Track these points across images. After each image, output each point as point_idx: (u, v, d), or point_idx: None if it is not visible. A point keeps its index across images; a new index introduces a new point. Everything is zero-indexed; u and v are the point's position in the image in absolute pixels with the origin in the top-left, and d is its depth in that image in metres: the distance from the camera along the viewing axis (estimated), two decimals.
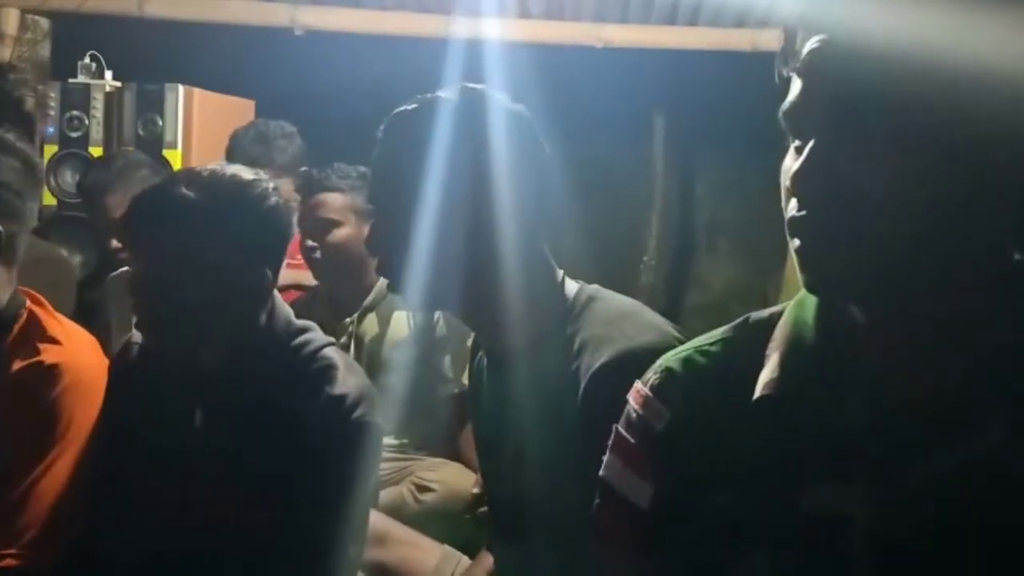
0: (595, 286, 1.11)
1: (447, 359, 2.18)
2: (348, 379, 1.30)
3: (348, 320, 2.15)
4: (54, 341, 1.30)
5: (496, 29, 3.13)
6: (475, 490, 1.90)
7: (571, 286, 1.10)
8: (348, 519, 1.28)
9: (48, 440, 1.26)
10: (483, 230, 1.03)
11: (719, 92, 3.64)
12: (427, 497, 1.88)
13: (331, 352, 1.34)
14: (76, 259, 2.72)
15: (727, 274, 4.14)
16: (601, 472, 0.79)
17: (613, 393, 0.80)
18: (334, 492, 1.26)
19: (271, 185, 1.30)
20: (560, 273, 1.11)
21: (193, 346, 1.29)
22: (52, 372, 1.27)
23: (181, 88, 2.86)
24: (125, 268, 2.40)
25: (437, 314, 2.18)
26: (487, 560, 1.31)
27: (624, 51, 3.27)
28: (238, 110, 3.02)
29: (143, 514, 1.32)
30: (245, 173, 1.29)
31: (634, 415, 0.77)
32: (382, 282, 2.20)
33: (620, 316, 1.05)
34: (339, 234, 2.13)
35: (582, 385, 0.98)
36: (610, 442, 0.80)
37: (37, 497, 1.24)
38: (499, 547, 1.17)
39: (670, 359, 0.78)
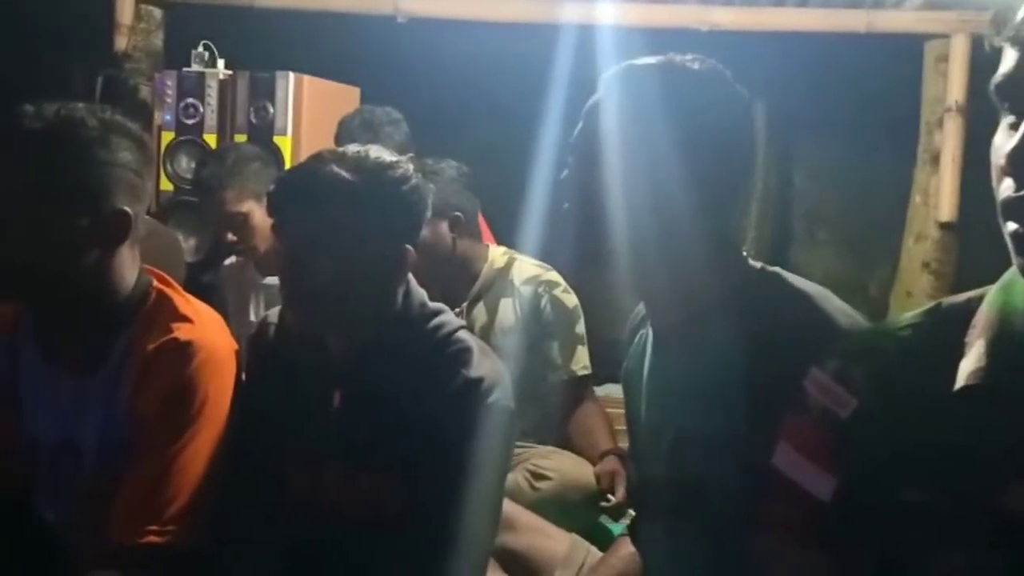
0: (777, 268, 1.08)
1: (555, 346, 2.16)
2: (483, 362, 1.30)
3: (457, 309, 2.15)
4: (186, 319, 1.31)
5: (599, 13, 3.09)
6: (601, 485, 1.88)
7: (752, 265, 1.07)
8: (483, 503, 1.28)
9: (185, 417, 1.27)
10: (672, 202, 1.01)
11: (827, 76, 3.52)
12: (543, 485, 1.87)
13: (465, 335, 1.34)
14: (191, 243, 2.80)
15: (826, 266, 4.02)
16: (773, 460, 0.76)
17: (791, 377, 0.76)
18: (469, 476, 1.25)
19: (411, 167, 1.31)
20: (742, 252, 1.08)
21: (335, 326, 1.30)
22: (187, 349, 1.28)
23: (292, 75, 2.90)
24: (235, 258, 2.47)
25: (544, 300, 2.17)
26: (623, 549, 1.28)
27: (731, 34, 3.18)
28: (344, 97, 3.06)
29: (278, 496, 1.34)
30: (386, 154, 1.31)
31: (813, 402, 0.74)
32: (488, 270, 2.20)
33: (803, 298, 1.01)
34: (426, 237, 2.12)
35: (759, 366, 0.95)
36: (783, 429, 0.77)
37: (176, 475, 1.25)
38: (651, 532, 1.14)
39: (855, 345, 0.75)
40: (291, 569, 1.33)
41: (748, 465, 0.92)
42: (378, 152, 1.30)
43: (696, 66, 1.06)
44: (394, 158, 1.31)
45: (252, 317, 2.37)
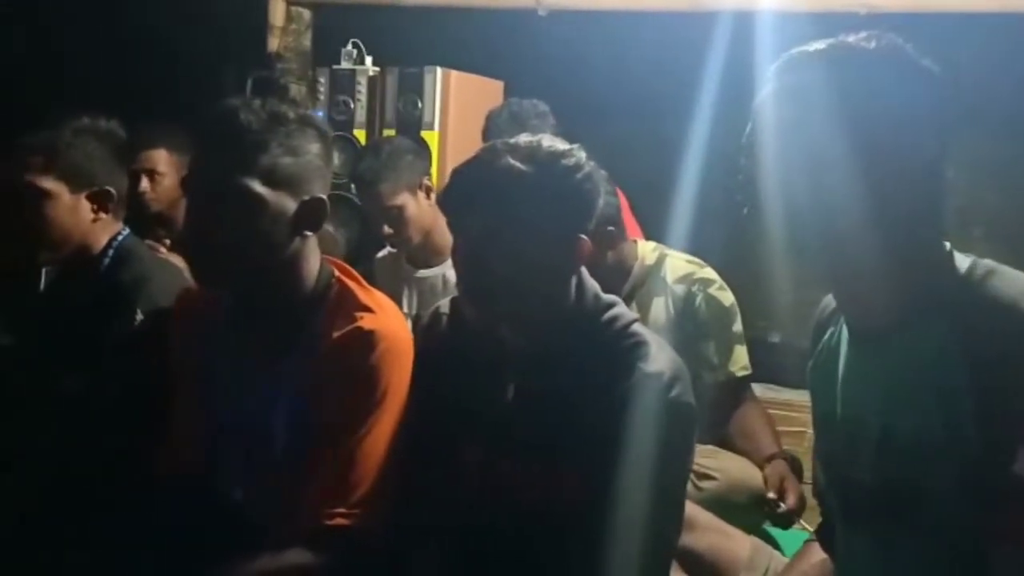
0: (990, 260, 1.00)
1: (711, 346, 2.10)
2: (661, 357, 1.27)
3: None
4: (368, 309, 1.34)
5: (748, 0, 2.98)
6: (769, 494, 1.82)
7: (961, 259, 1.00)
8: (664, 501, 1.25)
9: (369, 404, 1.30)
10: (864, 195, 0.95)
11: (993, 62, 3.29)
12: (708, 485, 1.81)
13: (641, 328, 1.31)
14: (341, 235, 2.87)
15: None
16: (1016, 468, 0.70)
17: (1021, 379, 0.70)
18: (649, 473, 1.22)
19: (583, 155, 1.29)
20: (947, 245, 1.01)
21: (513, 319, 1.29)
22: (371, 338, 1.30)
23: (439, 70, 2.93)
24: (389, 249, 2.51)
25: (699, 298, 2.11)
26: (813, 555, 1.22)
27: (889, 17, 3.01)
28: (488, 91, 3.07)
29: (451, 486, 1.34)
30: (559, 144, 1.29)
31: None
32: (639, 268, 2.15)
33: None
34: None
35: (985, 366, 0.89)
36: None
37: (361, 460, 1.28)
38: (850, 536, 1.08)
39: None
40: (465, 559, 1.33)
41: (973, 470, 0.87)
42: (550, 141, 1.29)
43: (872, 45, 0.99)
44: (566, 146, 1.29)
45: (405, 309, 2.41)
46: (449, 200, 1.30)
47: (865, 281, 1.00)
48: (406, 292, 2.42)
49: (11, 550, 1.36)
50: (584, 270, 1.34)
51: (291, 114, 1.30)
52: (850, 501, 1.07)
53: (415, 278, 2.44)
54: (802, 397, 3.13)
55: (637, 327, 1.32)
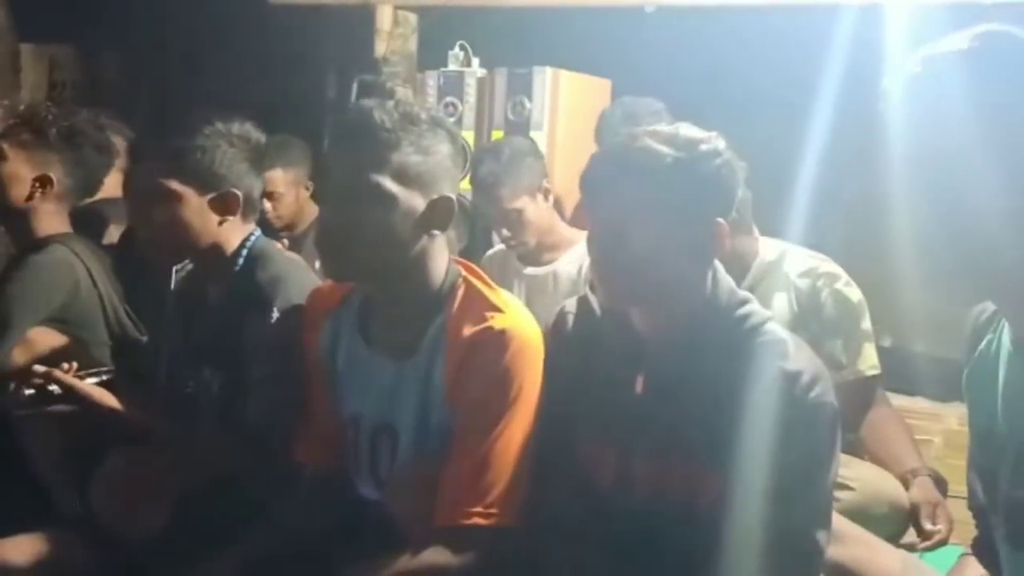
0: None
1: (839, 344, 2.01)
2: (800, 356, 1.24)
3: None
4: (497, 308, 1.34)
5: None
6: (926, 523, 1.72)
7: None
8: (808, 508, 1.21)
9: (503, 404, 1.29)
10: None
11: None
12: (844, 495, 1.72)
13: (776, 327, 1.29)
14: (450, 233, 2.88)
15: None
16: None
17: None
18: (791, 477, 1.19)
19: (722, 143, 1.27)
20: None
21: (648, 301, 1.28)
22: (502, 337, 1.30)
23: (549, 70, 2.93)
24: (501, 246, 2.51)
25: (824, 294, 2.03)
26: (971, 571, 1.15)
27: (1016, 7, 2.85)
28: (596, 90, 3.05)
29: (584, 483, 1.32)
30: (696, 131, 1.28)
31: None
32: (759, 264, 2.09)
33: None
34: None
35: None
36: None
37: (497, 459, 1.28)
38: (1017, 559, 1.01)
39: None
40: (602, 556, 1.30)
41: None
42: (688, 129, 1.28)
43: None
44: (705, 134, 1.28)
45: None
46: (588, 180, 1.31)
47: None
48: (516, 289, 2.42)
49: (161, 547, 1.41)
50: (719, 266, 1.32)
51: (423, 115, 1.32)
52: (1018, 522, 1.01)
53: (525, 275, 2.44)
54: (919, 404, 3.00)
55: (773, 325, 1.29)
